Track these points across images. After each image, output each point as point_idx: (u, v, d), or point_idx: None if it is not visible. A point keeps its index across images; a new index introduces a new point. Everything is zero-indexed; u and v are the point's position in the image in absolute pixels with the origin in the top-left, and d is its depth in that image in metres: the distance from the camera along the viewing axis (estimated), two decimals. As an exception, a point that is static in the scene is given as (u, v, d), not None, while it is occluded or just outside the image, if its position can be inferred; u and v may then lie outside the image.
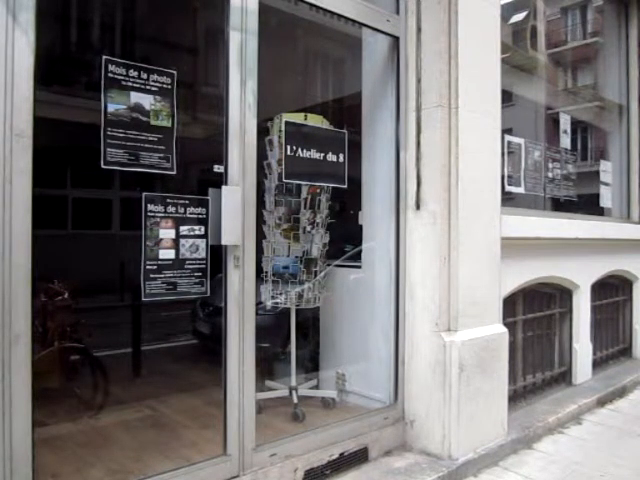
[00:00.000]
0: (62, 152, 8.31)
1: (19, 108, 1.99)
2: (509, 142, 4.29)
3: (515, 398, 4.06)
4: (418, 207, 3.36)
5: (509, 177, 4.27)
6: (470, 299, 3.35)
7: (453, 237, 3.29)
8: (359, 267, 3.81)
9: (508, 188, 4.25)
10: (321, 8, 3.05)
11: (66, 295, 4.07)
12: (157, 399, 3.96)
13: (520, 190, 4.43)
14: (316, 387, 3.91)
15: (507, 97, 4.28)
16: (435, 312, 3.27)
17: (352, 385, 3.77)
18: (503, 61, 3.68)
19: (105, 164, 2.26)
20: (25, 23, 2.02)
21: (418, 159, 3.35)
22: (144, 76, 2.39)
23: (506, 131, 4.14)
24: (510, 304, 4.05)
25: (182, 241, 2.49)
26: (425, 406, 3.30)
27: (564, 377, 4.73)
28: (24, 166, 2.01)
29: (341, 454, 3.01)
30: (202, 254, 2.55)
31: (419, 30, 3.36)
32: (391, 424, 3.34)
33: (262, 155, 3.36)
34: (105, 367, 3.92)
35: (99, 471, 2.76)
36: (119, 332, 5.42)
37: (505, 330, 3.59)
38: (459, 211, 3.27)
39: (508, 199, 4.15)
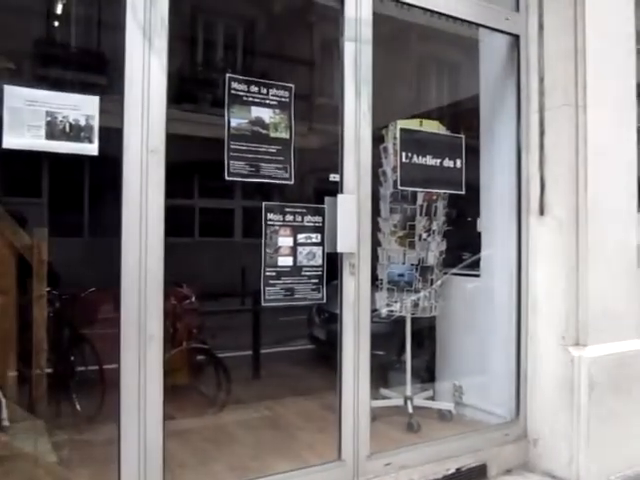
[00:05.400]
0: (190, 165, 8.93)
1: (154, 126, 2.18)
2: (647, 140, 3.91)
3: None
4: (542, 213, 3.19)
5: (647, 179, 3.89)
6: (602, 312, 3.10)
7: (582, 244, 3.07)
8: (478, 276, 3.70)
9: (646, 191, 3.88)
10: (436, 12, 3.03)
11: (193, 299, 4.37)
12: (275, 400, 4.10)
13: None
14: (432, 398, 3.82)
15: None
16: (561, 325, 3.07)
17: (469, 398, 3.64)
18: (638, 52, 3.39)
19: (229, 175, 2.39)
20: (159, 47, 2.21)
21: (541, 162, 3.18)
22: (264, 91, 2.50)
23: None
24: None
25: (299, 249, 2.56)
26: (549, 425, 3.10)
27: None
28: (157, 179, 2.19)
29: (458, 469, 2.92)
30: (318, 261, 2.60)
31: (541, 27, 3.21)
32: (512, 441, 3.17)
33: (377, 163, 3.38)
34: (228, 368, 4.13)
35: (221, 465, 2.91)
36: (240, 335, 5.68)
37: (643, 347, 3.27)
38: (588, 216, 3.06)
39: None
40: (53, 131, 2.02)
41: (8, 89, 1.97)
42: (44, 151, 2.02)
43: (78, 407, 3.66)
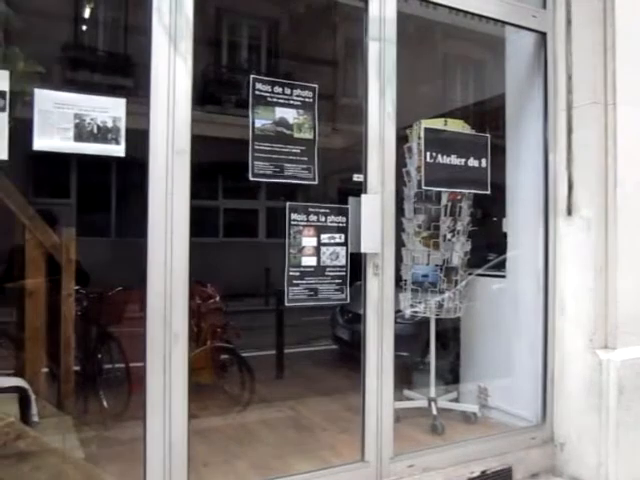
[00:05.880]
0: (215, 166, 9.01)
1: (179, 128, 2.20)
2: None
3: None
4: (570, 213, 3.13)
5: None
6: (632, 315, 3.03)
7: (611, 246, 3.01)
8: (503, 277, 3.65)
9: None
10: (462, 10, 3.00)
11: (217, 298, 4.41)
12: (297, 400, 4.11)
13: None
14: (456, 400, 3.79)
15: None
16: (589, 327, 3.01)
17: (494, 400, 3.60)
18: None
19: (253, 176, 2.41)
20: (184, 51, 2.23)
21: (569, 161, 3.12)
22: (287, 92, 2.51)
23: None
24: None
25: (323, 249, 2.56)
26: (577, 429, 3.04)
27: None
28: (183, 180, 2.21)
29: (483, 472, 2.88)
30: (342, 261, 2.60)
31: (569, 23, 3.15)
32: (538, 445, 3.12)
33: (401, 163, 3.36)
34: (252, 367, 4.15)
35: (244, 464, 2.93)
36: (263, 334, 5.71)
37: (675, 350, 3.19)
38: (618, 217, 2.99)
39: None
40: (81, 133, 2.06)
41: (38, 92, 2.01)
42: (72, 153, 2.06)
43: (105, 404, 3.73)
